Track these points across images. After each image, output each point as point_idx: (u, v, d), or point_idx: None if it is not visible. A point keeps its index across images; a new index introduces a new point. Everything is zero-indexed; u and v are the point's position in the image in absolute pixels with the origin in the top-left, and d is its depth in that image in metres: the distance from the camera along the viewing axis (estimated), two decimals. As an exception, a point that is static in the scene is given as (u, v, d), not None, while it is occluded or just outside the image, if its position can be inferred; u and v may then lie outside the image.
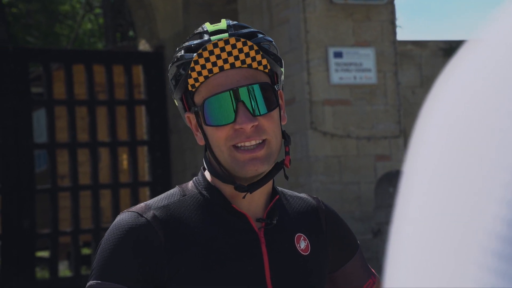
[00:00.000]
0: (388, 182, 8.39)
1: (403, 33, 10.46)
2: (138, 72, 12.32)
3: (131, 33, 21.71)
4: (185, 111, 1.53)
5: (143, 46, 12.64)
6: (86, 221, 12.34)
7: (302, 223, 1.56)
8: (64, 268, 13.52)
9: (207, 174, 1.53)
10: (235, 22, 1.55)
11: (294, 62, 8.64)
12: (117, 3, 20.33)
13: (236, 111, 1.42)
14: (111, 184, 11.73)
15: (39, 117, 13.33)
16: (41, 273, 12.46)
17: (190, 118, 1.53)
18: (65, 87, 11.34)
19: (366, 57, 8.68)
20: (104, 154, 12.53)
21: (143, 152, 12.37)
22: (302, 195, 1.63)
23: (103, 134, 12.45)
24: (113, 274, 1.39)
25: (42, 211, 11.10)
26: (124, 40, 19.38)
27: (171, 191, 1.54)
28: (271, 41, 1.53)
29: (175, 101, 1.55)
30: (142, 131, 12.24)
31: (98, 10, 22.28)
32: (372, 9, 8.92)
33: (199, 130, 1.50)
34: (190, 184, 1.55)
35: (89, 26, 23.66)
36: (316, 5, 8.78)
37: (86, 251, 15.43)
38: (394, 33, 9.05)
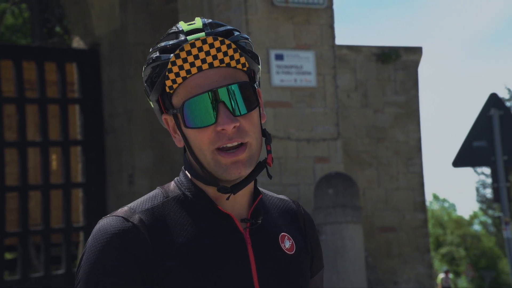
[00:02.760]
0: (327, 184, 8.73)
1: (339, 38, 10.71)
2: (72, 70, 12.22)
3: (57, 29, 21.41)
4: (162, 113, 1.50)
5: (77, 43, 12.54)
6: (12, 223, 12.20)
7: (285, 223, 1.55)
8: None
9: (189, 174, 1.51)
10: (210, 20, 1.47)
11: (235, 63, 8.87)
12: (44, -3, 20.02)
13: (216, 112, 1.41)
14: (41, 185, 11.59)
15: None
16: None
17: (167, 120, 1.50)
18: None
19: (306, 60, 9.00)
20: (32, 154, 12.36)
21: (76, 153, 12.31)
22: (282, 196, 1.62)
23: (32, 133, 12.37)
24: (101, 283, 1.36)
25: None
26: (53, 37, 19.10)
27: (153, 192, 1.49)
28: (247, 38, 1.49)
29: (151, 103, 1.52)
30: (76, 131, 12.17)
31: (24, 6, 21.76)
32: (312, 12, 9.24)
33: (178, 132, 1.48)
34: (172, 185, 1.51)
35: (10, 21, 22.99)
36: (258, 7, 9.04)
37: (8, 256, 15.11)
38: (333, 37, 9.39)
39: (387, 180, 11.00)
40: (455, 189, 79.41)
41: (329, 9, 9.33)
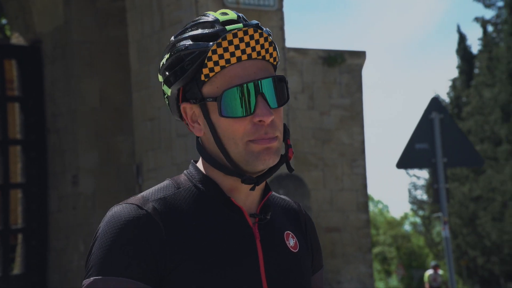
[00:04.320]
0: (278, 185, 8.95)
1: (286, 40, 10.91)
2: (11, 67, 12.00)
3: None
4: (181, 101, 1.49)
5: (17, 39, 12.27)
6: None
7: (288, 222, 1.59)
8: None
9: (200, 166, 1.52)
10: (240, 14, 1.47)
11: (187, 64, 8.92)
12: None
13: (256, 104, 1.42)
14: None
15: None
16: None
17: (185, 109, 1.49)
18: None
19: (257, 62, 9.13)
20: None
21: (15, 152, 12.06)
22: (284, 196, 1.66)
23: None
24: (115, 269, 1.36)
25: None
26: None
27: (164, 183, 1.50)
28: (271, 33, 1.49)
29: (167, 92, 1.51)
30: (15, 130, 11.94)
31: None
32: (263, 14, 9.39)
33: (199, 121, 1.48)
34: (183, 177, 1.52)
35: None
36: (209, 7, 9.10)
37: None
38: (283, 39, 9.56)
39: (332, 181, 11.18)
40: (388, 190, 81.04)
41: (279, 11, 9.49)
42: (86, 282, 1.38)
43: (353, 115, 11.37)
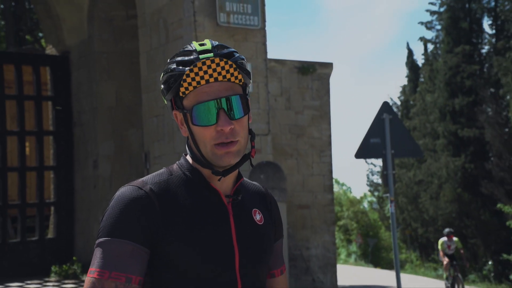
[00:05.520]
0: (260, 170, 8.72)
1: (268, 52, 10.73)
2: (45, 72, 11.80)
3: (28, 37, 20.62)
4: (173, 109, 1.54)
5: (50, 50, 12.08)
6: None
7: (256, 202, 1.64)
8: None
9: (188, 159, 1.57)
10: (217, 43, 1.52)
11: (186, 71, 8.74)
12: (18, 10, 19.25)
13: (217, 116, 1.47)
14: (18, 167, 11.24)
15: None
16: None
17: (177, 115, 1.54)
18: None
19: (244, 70, 8.94)
20: (9, 142, 11.90)
21: (48, 141, 11.87)
22: (255, 182, 1.70)
23: (12, 125, 11.96)
24: (120, 233, 1.41)
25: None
26: (24, 44, 18.41)
27: (160, 171, 1.55)
28: (244, 59, 1.54)
29: (164, 100, 1.57)
30: (48, 123, 11.72)
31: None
32: (249, 32, 9.18)
33: (185, 125, 1.53)
34: (175, 166, 1.57)
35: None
36: (205, 26, 8.91)
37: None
38: (265, 52, 9.36)
39: (304, 168, 11.06)
40: (351, 175, 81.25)
41: (262, 30, 9.30)
42: (97, 241, 1.44)
43: (322, 114, 11.27)
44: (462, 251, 12.71)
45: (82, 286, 10.23)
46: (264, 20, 9.26)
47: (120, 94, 11.03)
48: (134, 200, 1.44)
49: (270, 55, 10.25)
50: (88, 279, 1.40)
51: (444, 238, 12.56)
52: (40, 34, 17.68)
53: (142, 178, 1.52)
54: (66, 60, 11.63)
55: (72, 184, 11.57)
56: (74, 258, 11.09)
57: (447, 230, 12.71)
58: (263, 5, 9.24)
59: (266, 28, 9.35)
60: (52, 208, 11.68)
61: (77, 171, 11.53)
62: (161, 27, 9.36)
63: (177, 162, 1.59)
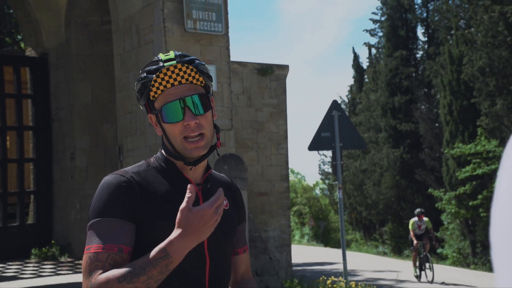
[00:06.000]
0: (223, 162, 8.75)
1: (231, 56, 10.65)
2: (25, 72, 11.52)
3: (7, 39, 20.04)
4: (147, 112, 1.58)
5: (30, 52, 11.76)
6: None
7: (223, 189, 1.65)
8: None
9: (164, 152, 1.62)
10: (180, 53, 1.59)
11: (156, 72, 8.70)
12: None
13: (183, 113, 1.52)
14: (0, 160, 10.98)
15: None
16: None
17: (151, 118, 1.58)
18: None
19: (210, 72, 8.94)
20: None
21: (28, 136, 11.60)
22: (222, 174, 1.78)
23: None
24: (108, 212, 1.45)
25: None
26: (3, 46, 17.90)
27: (140, 163, 1.60)
28: (204, 64, 1.60)
29: (140, 106, 1.61)
30: (28, 119, 11.46)
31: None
32: (213, 37, 9.16)
33: (158, 125, 1.57)
34: (152, 159, 1.61)
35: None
36: (174, 31, 8.86)
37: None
38: (229, 56, 9.36)
39: (263, 159, 11.13)
40: (305, 165, 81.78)
41: (225, 36, 9.29)
42: (89, 224, 1.47)
43: (279, 111, 11.35)
44: (432, 231, 11.77)
45: (61, 266, 10.14)
46: (227, 27, 9.27)
47: (96, 92, 10.86)
48: (118, 185, 1.48)
49: (232, 58, 10.27)
50: (85, 255, 1.43)
51: (415, 218, 11.68)
52: (19, 37, 17.22)
53: (124, 168, 1.57)
54: (45, 61, 11.38)
55: (51, 174, 11.36)
56: (52, 241, 10.93)
57: (418, 210, 11.82)
58: (226, 13, 9.25)
59: (229, 34, 9.35)
60: (32, 197, 11.46)
61: (55, 162, 11.33)
62: (134, 32, 9.27)
63: (154, 155, 1.63)
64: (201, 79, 1.55)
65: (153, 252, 1.40)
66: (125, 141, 9.43)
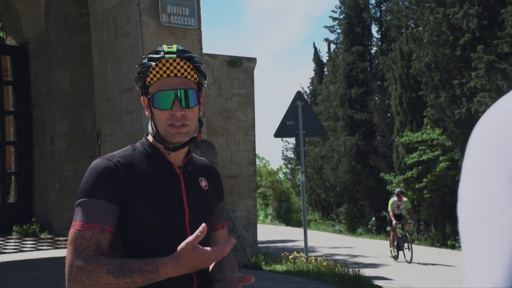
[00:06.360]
0: (196, 148, 8.77)
1: (203, 48, 10.57)
2: (6, 60, 11.21)
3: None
4: (141, 94, 1.60)
5: (10, 41, 11.44)
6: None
7: (203, 172, 1.71)
8: None
9: (149, 138, 1.63)
10: (182, 48, 1.59)
11: (133, 63, 8.57)
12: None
13: (173, 103, 1.54)
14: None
15: None
16: None
17: (144, 100, 1.59)
18: None
19: (182, 63, 8.87)
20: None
21: (9, 120, 11.34)
22: (203, 158, 1.79)
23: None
24: (95, 193, 1.47)
25: None
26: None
27: (126, 147, 1.62)
28: (202, 63, 1.60)
29: (137, 87, 1.62)
30: (9, 105, 11.18)
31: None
32: (187, 31, 9.09)
33: (149, 109, 1.58)
34: (138, 144, 1.63)
35: None
36: (150, 25, 8.75)
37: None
38: (201, 48, 9.30)
39: (232, 145, 11.16)
40: (270, 151, 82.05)
41: (198, 29, 9.24)
42: (77, 202, 1.48)
43: (247, 101, 11.37)
44: (411, 211, 11.26)
45: (41, 242, 10.00)
46: (199, 21, 9.21)
47: (74, 80, 10.66)
48: (105, 169, 1.49)
49: (204, 50, 10.22)
50: (71, 231, 1.45)
51: (394, 198, 11.08)
52: None
53: (111, 153, 1.59)
54: (25, 50, 11.10)
55: (31, 157, 11.15)
56: (33, 219, 10.76)
57: (397, 190, 11.29)
58: (199, 8, 9.20)
59: (201, 28, 9.30)
60: (13, 177, 11.24)
61: (35, 146, 11.12)
62: (111, 25, 9.11)
63: (139, 141, 1.65)
64: (195, 76, 1.56)
65: (146, 261, 1.43)
66: (102, 126, 9.32)
